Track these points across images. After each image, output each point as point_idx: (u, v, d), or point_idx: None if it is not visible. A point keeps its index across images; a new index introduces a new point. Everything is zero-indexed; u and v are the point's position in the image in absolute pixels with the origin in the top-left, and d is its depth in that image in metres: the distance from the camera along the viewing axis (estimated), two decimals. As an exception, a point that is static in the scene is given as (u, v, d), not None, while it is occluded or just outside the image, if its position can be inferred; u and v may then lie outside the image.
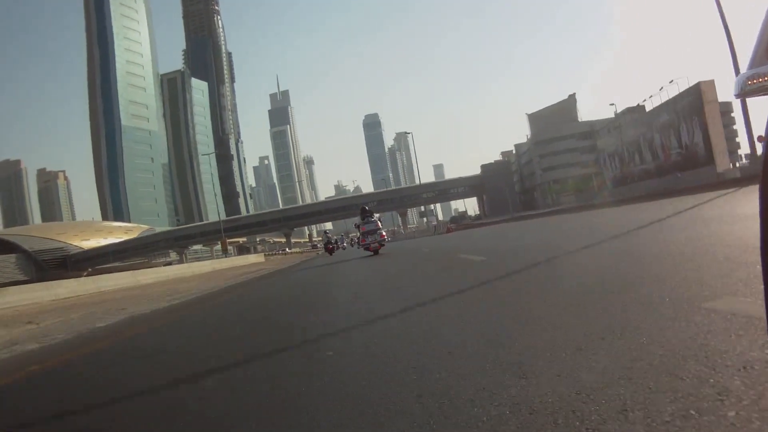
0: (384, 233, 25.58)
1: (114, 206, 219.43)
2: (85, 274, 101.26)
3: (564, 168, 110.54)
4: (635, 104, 67.54)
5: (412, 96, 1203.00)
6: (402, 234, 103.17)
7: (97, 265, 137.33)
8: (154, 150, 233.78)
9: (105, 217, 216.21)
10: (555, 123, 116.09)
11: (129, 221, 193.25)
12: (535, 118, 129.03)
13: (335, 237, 43.53)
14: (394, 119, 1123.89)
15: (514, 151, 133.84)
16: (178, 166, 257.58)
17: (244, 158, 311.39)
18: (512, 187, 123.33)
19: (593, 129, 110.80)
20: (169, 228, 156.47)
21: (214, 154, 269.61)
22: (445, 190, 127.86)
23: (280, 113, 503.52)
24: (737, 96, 1.43)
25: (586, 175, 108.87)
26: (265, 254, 70.85)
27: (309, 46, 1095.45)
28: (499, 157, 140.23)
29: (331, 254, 39.51)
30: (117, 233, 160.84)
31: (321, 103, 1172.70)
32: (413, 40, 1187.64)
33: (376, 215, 26.08)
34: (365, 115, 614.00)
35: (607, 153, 74.84)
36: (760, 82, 1.25)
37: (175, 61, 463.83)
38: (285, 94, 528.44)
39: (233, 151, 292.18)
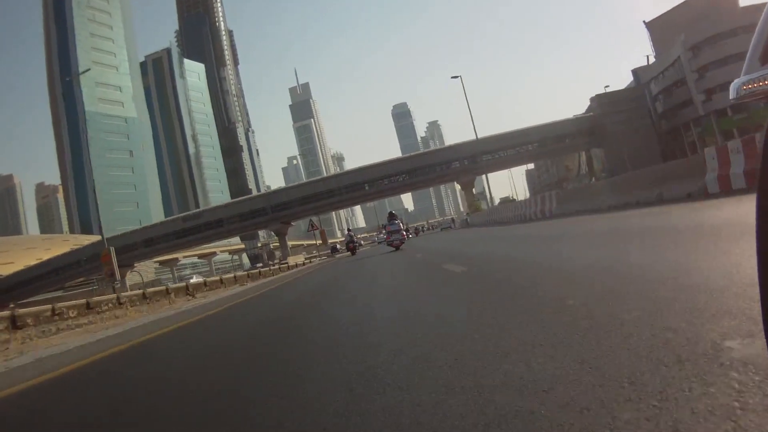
0: (405, 233, 30.48)
1: (81, 214, 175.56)
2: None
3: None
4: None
5: (442, 81, 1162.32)
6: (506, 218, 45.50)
7: (25, 298, 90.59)
8: (132, 141, 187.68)
9: (72, 229, 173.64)
10: (708, 22, 66.73)
11: (100, 232, 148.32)
12: (661, 27, 79.89)
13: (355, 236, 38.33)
14: (424, 107, 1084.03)
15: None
16: (171, 161, 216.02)
17: (257, 150, 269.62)
18: (648, 130, 73.54)
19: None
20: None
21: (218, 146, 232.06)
22: (519, 146, 77.34)
23: (302, 107, 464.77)
24: (733, 101, 1.61)
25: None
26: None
27: (324, 33, 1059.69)
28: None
29: (353, 254, 36.98)
30: (60, 249, 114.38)
31: (345, 97, 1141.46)
32: (438, 23, 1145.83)
33: (397, 220, 29.25)
34: (393, 105, 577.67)
35: None
36: (754, 87, 1.38)
37: (167, 43, 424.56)
38: (305, 87, 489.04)
39: (242, 142, 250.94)
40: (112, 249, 39.69)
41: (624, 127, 71.49)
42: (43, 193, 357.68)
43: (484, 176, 74.37)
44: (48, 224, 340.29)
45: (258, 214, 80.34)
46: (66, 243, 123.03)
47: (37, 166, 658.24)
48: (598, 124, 73.58)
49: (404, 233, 29.37)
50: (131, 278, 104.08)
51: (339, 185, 79.23)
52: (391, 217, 29.86)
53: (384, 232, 34.00)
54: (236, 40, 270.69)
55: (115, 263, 39.23)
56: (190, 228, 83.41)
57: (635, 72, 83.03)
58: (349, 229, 40.57)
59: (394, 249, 27.24)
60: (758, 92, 1.52)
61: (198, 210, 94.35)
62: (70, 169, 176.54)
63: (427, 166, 77.70)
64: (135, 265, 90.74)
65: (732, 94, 1.55)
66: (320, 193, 79.32)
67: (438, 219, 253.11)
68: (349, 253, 38.71)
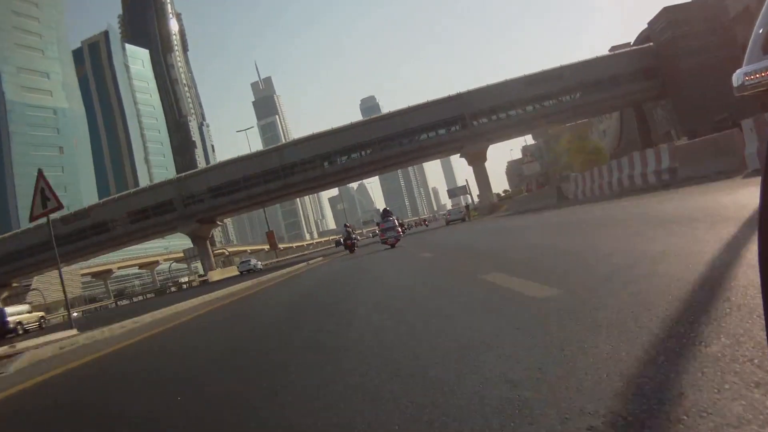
0: (400, 230, 28.30)
1: (1, 221, 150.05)
2: None
3: None
4: None
5: (411, 73, 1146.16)
6: None
7: None
8: (63, 136, 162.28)
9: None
10: None
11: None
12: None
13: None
14: (393, 101, 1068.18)
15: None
16: (113, 159, 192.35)
17: (213, 146, 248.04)
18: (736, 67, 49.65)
19: None
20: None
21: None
22: (551, 96, 53.53)
23: (265, 103, 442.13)
24: (736, 91, 1.59)
25: None
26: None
27: (285, 24, 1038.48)
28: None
29: (351, 251, 32.80)
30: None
31: (311, 92, 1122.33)
32: (404, 11, 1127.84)
33: (391, 217, 27.81)
34: (361, 100, 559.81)
35: None
36: (757, 77, 1.37)
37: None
38: (268, 82, 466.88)
39: (195, 137, 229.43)
40: None
41: (704, 58, 47.66)
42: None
43: (472, 168, 52.20)
44: None
45: (163, 211, 55.96)
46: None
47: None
48: (665, 57, 49.80)
49: (399, 230, 27.98)
50: (33, 297, 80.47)
51: (283, 163, 55.16)
52: (386, 213, 29.09)
53: (378, 229, 30.92)
54: (192, 31, 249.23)
55: None
56: (74, 233, 58.67)
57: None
58: (346, 225, 35.93)
59: (389, 246, 26.35)
60: (764, 83, 1.62)
61: (83, 208, 67.62)
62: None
63: (384, 138, 53.96)
64: (14, 284, 65.90)
65: (735, 84, 1.72)
66: (255, 176, 55.28)
67: (413, 218, 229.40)
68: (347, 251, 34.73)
